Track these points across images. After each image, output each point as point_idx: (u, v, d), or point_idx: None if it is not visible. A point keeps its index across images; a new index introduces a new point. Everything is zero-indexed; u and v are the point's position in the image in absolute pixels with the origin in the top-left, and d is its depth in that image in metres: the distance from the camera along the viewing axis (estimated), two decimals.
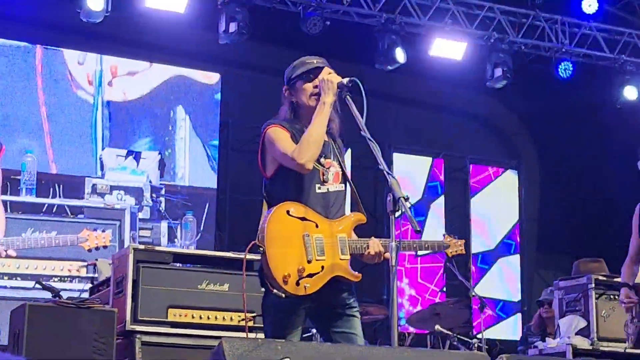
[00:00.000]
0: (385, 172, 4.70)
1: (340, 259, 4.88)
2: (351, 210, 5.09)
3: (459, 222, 14.10)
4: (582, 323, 7.80)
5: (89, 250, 8.06)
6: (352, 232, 5.00)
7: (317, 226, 4.87)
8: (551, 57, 12.92)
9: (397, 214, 4.62)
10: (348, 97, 5.00)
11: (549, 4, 12.89)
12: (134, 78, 12.09)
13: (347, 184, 5.07)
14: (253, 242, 4.80)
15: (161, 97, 12.28)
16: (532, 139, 15.23)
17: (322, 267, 4.82)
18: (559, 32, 12.88)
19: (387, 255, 4.92)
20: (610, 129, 13.66)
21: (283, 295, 4.76)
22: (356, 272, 4.93)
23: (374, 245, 4.92)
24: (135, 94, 12.07)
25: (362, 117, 4.85)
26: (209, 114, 12.56)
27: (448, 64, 12.57)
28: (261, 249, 4.78)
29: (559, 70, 12.82)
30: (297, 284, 4.75)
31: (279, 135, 4.95)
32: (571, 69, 12.85)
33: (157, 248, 6.99)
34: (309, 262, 4.79)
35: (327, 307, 4.92)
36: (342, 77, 5.04)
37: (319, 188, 4.95)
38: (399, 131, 13.92)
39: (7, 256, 7.78)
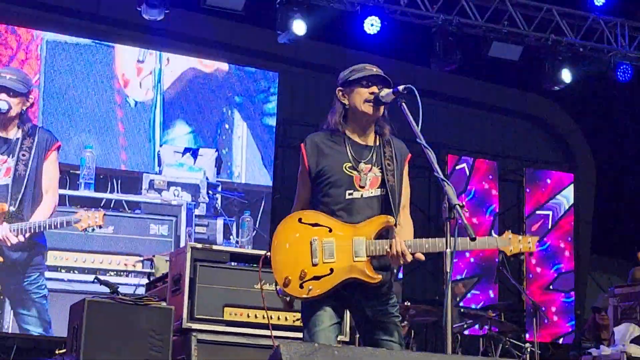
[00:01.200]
0: (441, 180, 4.72)
1: (355, 261, 4.91)
2: (386, 214, 5.10)
3: (512, 226, 14.07)
4: (638, 331, 7.76)
5: (84, 230, 8.25)
6: (375, 234, 4.99)
7: (330, 230, 4.93)
8: (610, 59, 12.81)
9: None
10: (404, 104, 5.03)
11: (608, 7, 12.79)
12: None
13: (387, 188, 5.09)
14: (266, 253, 4.98)
15: (216, 94, 12.39)
16: (588, 141, 15.15)
17: (331, 270, 4.88)
18: (618, 35, 12.79)
19: (418, 255, 4.95)
20: None
21: (287, 298, 4.91)
22: (375, 274, 4.94)
23: (395, 244, 4.91)
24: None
25: (417, 125, 4.87)
26: (264, 113, 12.64)
27: (505, 65, 12.52)
28: (268, 254, 4.89)
29: (618, 73, 12.71)
30: (301, 286, 4.85)
31: (301, 164, 5.17)
32: (630, 72, 12.73)
33: (215, 247, 7.07)
34: (314, 265, 4.87)
35: (359, 312, 4.99)
36: (395, 87, 5.07)
37: (350, 194, 5.01)
38: (454, 133, 13.92)
39: (18, 242, 8.08)
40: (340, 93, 5.19)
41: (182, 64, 12.20)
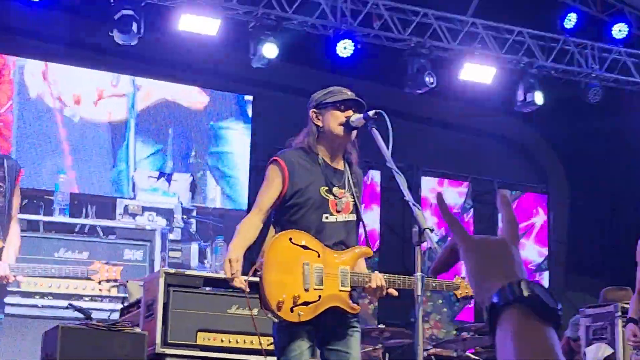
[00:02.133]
0: (410, 204, 4.75)
1: (340, 290, 4.94)
2: (358, 242, 5.15)
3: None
4: (609, 351, 7.81)
5: (99, 282, 8.15)
6: (356, 264, 5.04)
7: (319, 256, 4.95)
8: (581, 81, 12.93)
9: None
10: (374, 129, 5.05)
11: (578, 29, 12.93)
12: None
13: (359, 214, 5.13)
14: (254, 267, 4.92)
15: (190, 117, 12.41)
16: (561, 162, 15.25)
17: (319, 297, 4.90)
18: (589, 57, 12.91)
19: (391, 291, 5.01)
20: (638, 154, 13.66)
21: (275, 319, 4.90)
22: (355, 304, 4.99)
23: (375, 279, 4.97)
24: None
25: (387, 149, 4.91)
26: (238, 136, 12.67)
27: (478, 87, 12.62)
28: (259, 273, 4.88)
29: (589, 95, 12.82)
30: (292, 310, 4.85)
31: (268, 177, 5.14)
32: (601, 93, 12.85)
33: (188, 272, 7.10)
34: (305, 290, 4.88)
35: (325, 327, 5.01)
36: (367, 109, 5.11)
37: (327, 218, 5.03)
38: (427, 154, 13.97)
39: (15, 281, 7.91)
40: (315, 114, 5.21)
41: (158, 93, 12.22)
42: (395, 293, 5.04)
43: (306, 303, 4.89)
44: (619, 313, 7.93)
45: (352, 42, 11.74)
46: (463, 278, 5.33)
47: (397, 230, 12.64)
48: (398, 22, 12.11)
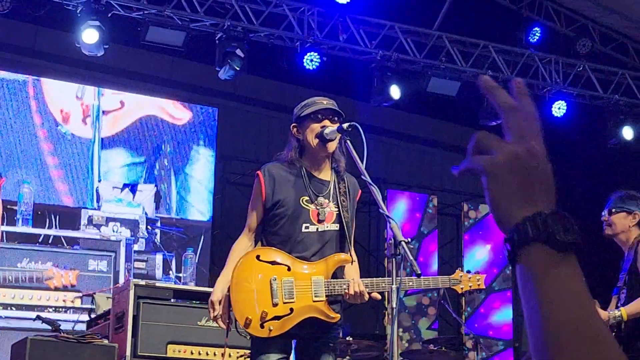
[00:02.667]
0: (386, 216, 4.76)
1: (314, 301, 4.93)
2: (342, 250, 5.13)
3: (451, 260, 14.18)
4: None
5: (55, 289, 8.11)
6: (333, 273, 5.02)
7: (289, 269, 4.93)
8: (545, 96, 13.04)
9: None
10: (348, 141, 5.06)
11: (542, 44, 13.03)
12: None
13: (343, 224, 5.12)
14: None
15: (155, 129, 12.37)
16: None
17: (291, 310, 4.89)
18: (553, 72, 13.02)
19: (374, 294, 4.99)
20: (603, 168, 13.76)
21: (247, 337, 4.93)
22: (334, 314, 4.96)
23: (354, 285, 4.94)
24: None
25: (362, 162, 4.91)
26: (203, 148, 12.64)
27: (443, 100, 12.68)
28: (227, 294, 4.89)
29: (553, 109, 12.92)
30: (262, 326, 4.85)
31: (253, 192, 5.17)
32: (565, 108, 12.95)
33: (158, 284, 7.07)
34: (274, 305, 4.86)
35: (302, 338, 5.01)
36: (341, 121, 5.11)
37: (307, 227, 5.02)
38: (392, 167, 14.02)
39: None
40: (295, 129, 5.21)
41: (123, 104, 12.18)
42: (379, 297, 5.02)
43: (277, 317, 4.88)
44: None
45: (318, 54, 11.76)
46: (468, 272, 5.28)
47: (361, 241, 12.68)
48: (364, 35, 12.15)
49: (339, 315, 5.00)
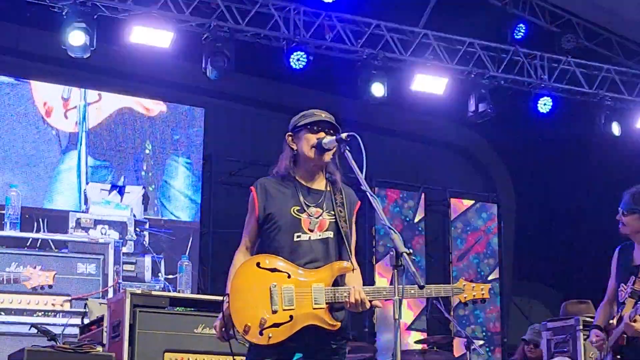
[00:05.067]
0: (387, 227, 4.74)
1: (314, 308, 4.91)
2: (341, 259, 5.12)
3: (438, 255, 14.22)
4: None
5: (33, 289, 8.09)
6: (334, 281, 5.00)
7: (289, 277, 4.90)
8: (531, 92, 13.07)
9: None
10: (347, 151, 5.04)
11: (528, 40, 13.06)
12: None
13: (341, 233, 5.09)
14: (225, 294, 4.91)
15: (141, 130, 12.34)
16: (510, 172, 15.41)
17: (291, 317, 4.87)
18: (538, 68, 13.05)
19: (376, 302, 4.97)
20: (588, 163, 13.82)
21: (246, 344, 4.86)
22: (334, 321, 4.95)
23: (354, 293, 4.92)
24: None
25: (361, 172, 4.90)
26: (193, 148, 12.61)
27: (429, 97, 12.69)
28: (226, 302, 4.87)
29: (538, 105, 12.96)
30: (261, 333, 4.80)
31: (248, 208, 5.10)
32: (550, 104, 12.98)
33: (154, 292, 7.05)
34: (274, 312, 4.83)
35: (307, 348, 4.99)
36: (333, 133, 5.09)
37: (299, 237, 5.00)
38: (380, 164, 14.02)
39: None
40: (290, 138, 5.18)
41: (115, 103, 12.14)
42: (380, 305, 5.00)
43: (276, 325, 4.85)
44: (581, 326, 7.99)
45: (305, 53, 11.74)
46: (470, 281, 5.23)
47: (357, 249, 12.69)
48: (350, 34, 12.15)
49: (339, 323, 4.96)
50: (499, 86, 12.90)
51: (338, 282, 5.01)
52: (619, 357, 6.02)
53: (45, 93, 11.85)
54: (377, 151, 14.00)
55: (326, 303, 4.91)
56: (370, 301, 4.95)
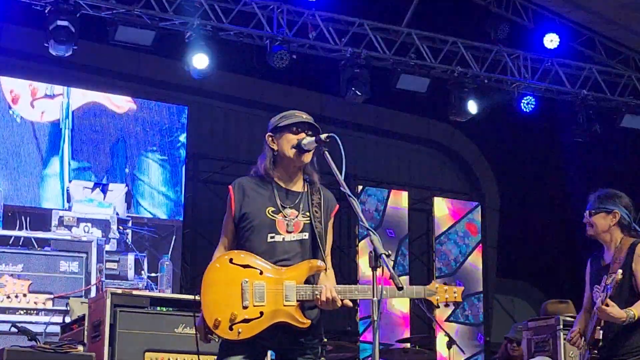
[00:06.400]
0: (366, 229, 4.77)
1: (285, 305, 4.92)
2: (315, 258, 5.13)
3: (422, 254, 14.25)
4: None
5: (7, 297, 8.00)
6: (306, 279, 5.02)
7: (261, 273, 4.93)
8: (514, 91, 13.11)
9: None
10: (326, 152, 5.07)
11: (511, 39, 13.09)
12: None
13: (315, 234, 5.11)
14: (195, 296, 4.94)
15: (124, 128, 12.33)
16: (492, 170, 15.45)
17: (261, 313, 4.88)
18: (521, 67, 13.09)
19: (347, 301, 4.99)
20: (571, 162, 13.87)
21: (216, 339, 4.88)
22: (305, 319, 4.97)
23: (325, 291, 4.94)
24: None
25: (340, 173, 4.91)
26: (174, 146, 12.60)
27: (413, 96, 12.70)
28: (197, 297, 4.88)
29: (522, 104, 12.99)
30: (230, 328, 4.83)
31: (227, 207, 5.13)
32: (533, 103, 13.02)
33: (135, 292, 7.05)
34: (244, 307, 4.85)
35: (279, 345, 5.00)
36: (316, 134, 5.10)
37: (272, 237, 5.02)
38: (363, 162, 14.05)
39: None
40: (270, 139, 5.20)
41: (87, 97, 12.11)
42: (351, 304, 5.02)
43: (246, 320, 4.87)
44: (561, 326, 8.02)
45: (288, 52, 11.73)
46: (444, 283, 5.25)
47: (343, 247, 12.80)
48: (334, 32, 12.15)
49: (309, 321, 4.98)
50: (482, 85, 12.92)
51: (310, 281, 5.03)
52: (595, 352, 6.06)
53: (28, 90, 11.82)
54: (361, 150, 14.13)
55: (297, 301, 4.93)
56: (341, 300, 4.98)
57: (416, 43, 12.55)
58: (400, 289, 4.71)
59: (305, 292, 4.94)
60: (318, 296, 4.93)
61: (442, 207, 14.45)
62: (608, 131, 13.36)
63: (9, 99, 11.73)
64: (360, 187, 13.70)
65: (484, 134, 14.48)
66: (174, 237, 12.26)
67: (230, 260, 4.94)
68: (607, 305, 5.88)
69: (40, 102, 11.89)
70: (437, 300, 5.23)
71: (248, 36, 11.80)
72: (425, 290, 5.23)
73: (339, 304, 4.95)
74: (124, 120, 12.34)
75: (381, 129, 14.49)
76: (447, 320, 13.75)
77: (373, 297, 4.74)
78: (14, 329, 7.04)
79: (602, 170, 12.99)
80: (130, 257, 11.80)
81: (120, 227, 11.88)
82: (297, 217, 5.09)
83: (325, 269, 5.05)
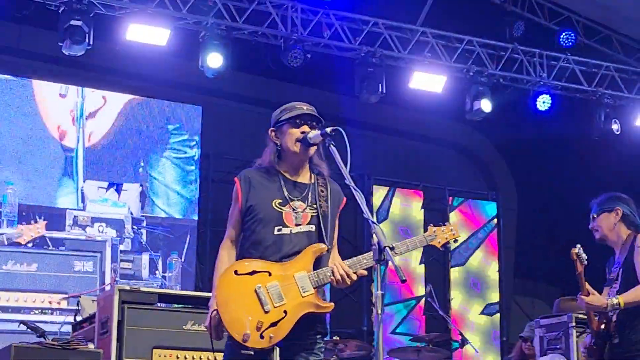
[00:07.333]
0: (370, 221, 4.73)
1: (304, 297, 4.89)
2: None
3: (437, 253, 14.19)
4: None
5: (27, 244, 8.06)
6: (313, 265, 4.98)
7: (270, 274, 4.89)
8: (529, 89, 13.03)
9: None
10: (332, 146, 5.02)
11: (527, 38, 13.02)
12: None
13: (321, 226, 5.07)
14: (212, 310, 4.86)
15: (138, 128, 12.34)
16: (510, 170, 15.37)
17: (285, 312, 4.84)
18: (537, 65, 13.01)
19: (361, 272, 4.96)
20: (587, 161, 13.77)
21: (251, 352, 4.79)
22: (327, 303, 4.94)
23: (337, 269, 4.92)
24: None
25: (345, 167, 4.88)
26: (188, 146, 12.61)
27: (428, 95, 12.67)
28: (216, 316, 4.83)
29: (537, 103, 12.91)
30: (261, 337, 4.76)
31: (232, 199, 5.12)
32: (549, 102, 12.94)
33: (143, 289, 6.99)
34: (266, 312, 4.79)
35: (284, 343, 4.97)
36: (322, 128, 5.07)
37: (279, 230, 4.98)
38: (378, 162, 14.00)
39: None
40: (273, 133, 5.17)
41: (107, 102, 12.15)
42: (365, 273, 4.97)
43: (274, 324, 4.83)
44: (573, 323, 7.97)
45: (302, 51, 11.71)
46: (439, 225, 5.28)
47: (350, 240, 12.69)
48: (348, 31, 12.13)
49: (332, 304, 4.97)
50: (497, 84, 12.86)
51: (319, 266, 5.00)
52: (595, 347, 6.08)
53: (44, 90, 11.85)
54: (376, 149, 14.08)
55: (314, 288, 4.90)
56: (354, 272, 4.95)
57: (431, 42, 12.50)
58: (403, 281, 4.68)
59: (319, 277, 4.93)
60: (331, 277, 4.91)
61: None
62: (625, 129, 13.26)
63: (40, 109, 11.76)
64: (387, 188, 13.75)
65: (500, 133, 14.40)
66: (189, 236, 12.25)
67: (235, 272, 4.88)
68: (587, 294, 5.92)
69: (69, 106, 11.94)
70: (440, 242, 5.27)
71: (262, 35, 11.78)
72: (426, 237, 5.27)
73: (354, 277, 4.95)
74: (138, 120, 12.36)
75: (396, 129, 14.44)
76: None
77: (377, 290, 4.72)
78: (23, 326, 7.02)
79: (618, 168, 12.89)
80: (145, 257, 11.83)
81: (135, 227, 11.89)
82: (305, 209, 5.06)
83: (329, 249, 5.02)
